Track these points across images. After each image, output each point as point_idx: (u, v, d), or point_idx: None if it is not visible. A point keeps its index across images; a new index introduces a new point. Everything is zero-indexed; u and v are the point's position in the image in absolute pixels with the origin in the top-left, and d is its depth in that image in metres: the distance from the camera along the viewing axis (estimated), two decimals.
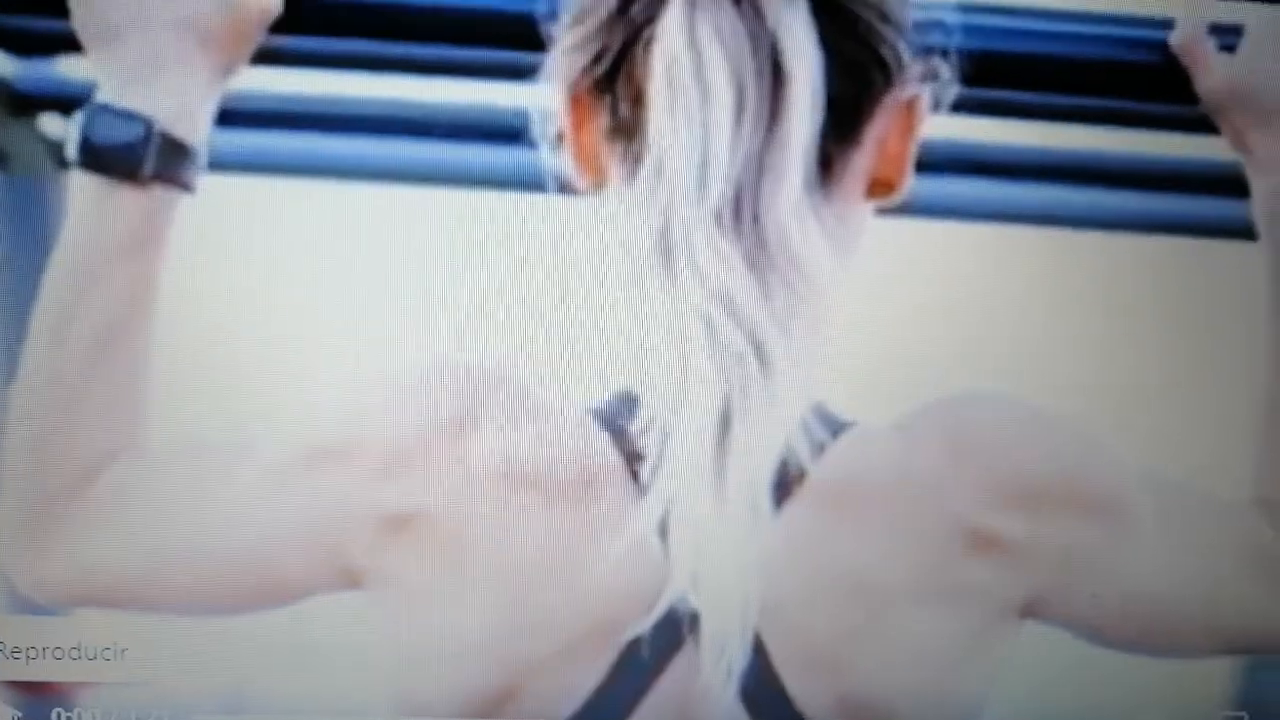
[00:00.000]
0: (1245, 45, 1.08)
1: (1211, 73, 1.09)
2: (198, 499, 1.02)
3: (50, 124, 1.78)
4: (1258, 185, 1.09)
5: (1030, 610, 1.03)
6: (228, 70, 1.06)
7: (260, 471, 1.02)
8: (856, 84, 0.99)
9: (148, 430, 1.04)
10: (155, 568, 1.03)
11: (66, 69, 1.74)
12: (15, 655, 1.10)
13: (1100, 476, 1.03)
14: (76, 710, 1.15)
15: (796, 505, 0.99)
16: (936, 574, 1.00)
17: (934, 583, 1.00)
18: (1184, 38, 1.09)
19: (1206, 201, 1.72)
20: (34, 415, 1.03)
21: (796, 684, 0.99)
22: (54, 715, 1.12)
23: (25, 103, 1.77)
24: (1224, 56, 1.09)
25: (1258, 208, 1.09)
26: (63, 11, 1.05)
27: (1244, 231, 1.11)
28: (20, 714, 1.17)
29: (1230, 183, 1.12)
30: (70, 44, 1.06)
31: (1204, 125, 1.11)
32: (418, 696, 1.01)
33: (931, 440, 1.01)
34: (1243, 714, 1.14)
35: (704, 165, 0.94)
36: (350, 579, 1.02)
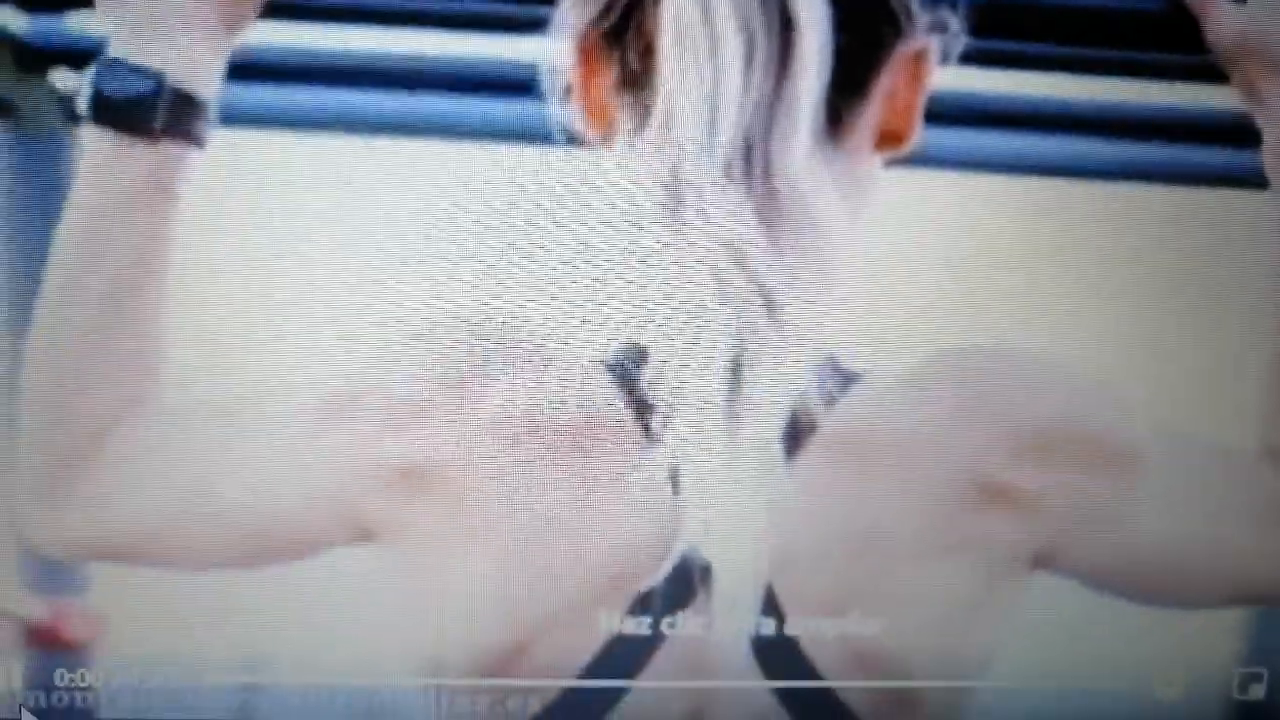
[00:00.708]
0: None
1: (1221, 21, 1.08)
2: (211, 455, 1.02)
3: (62, 79, 1.78)
4: (1269, 134, 1.08)
5: (1041, 561, 1.03)
6: (237, 24, 1.06)
7: (273, 426, 1.02)
8: (865, 36, 0.99)
9: (161, 387, 1.04)
10: (169, 523, 1.03)
11: (77, 24, 1.74)
12: None
13: (1109, 428, 1.03)
14: (80, 670, 1.15)
15: (808, 456, 0.99)
16: (947, 525, 1.00)
17: (945, 534, 1.00)
18: None
19: (1217, 151, 1.72)
20: (48, 372, 1.03)
21: (808, 636, 0.99)
22: (56, 675, 1.12)
23: (36, 58, 1.77)
24: (1234, 5, 1.08)
25: (1268, 157, 1.09)
26: None
27: (1256, 181, 1.10)
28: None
29: (1241, 132, 1.11)
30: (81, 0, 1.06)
31: (1214, 74, 1.10)
32: (431, 651, 1.01)
33: (942, 392, 1.01)
34: (1261, 669, 1.15)
35: (713, 116, 0.94)
36: (363, 532, 1.02)
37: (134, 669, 1.10)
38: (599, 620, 0.99)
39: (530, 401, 1.00)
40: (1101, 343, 1.15)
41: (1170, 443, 1.04)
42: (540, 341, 1.01)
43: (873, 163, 1.03)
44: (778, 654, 0.99)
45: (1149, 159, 1.73)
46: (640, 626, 0.99)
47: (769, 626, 0.98)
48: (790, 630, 0.99)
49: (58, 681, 1.13)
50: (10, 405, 1.04)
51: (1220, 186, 1.71)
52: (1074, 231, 1.18)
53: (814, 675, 0.99)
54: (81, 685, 1.12)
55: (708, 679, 0.99)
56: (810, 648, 0.99)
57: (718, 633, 0.97)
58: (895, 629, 1.00)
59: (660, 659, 1.00)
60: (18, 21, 1.73)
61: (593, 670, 0.99)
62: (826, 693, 0.99)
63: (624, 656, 0.99)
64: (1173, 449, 1.04)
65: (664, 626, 0.99)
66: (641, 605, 0.99)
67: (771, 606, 0.98)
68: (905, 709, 1.00)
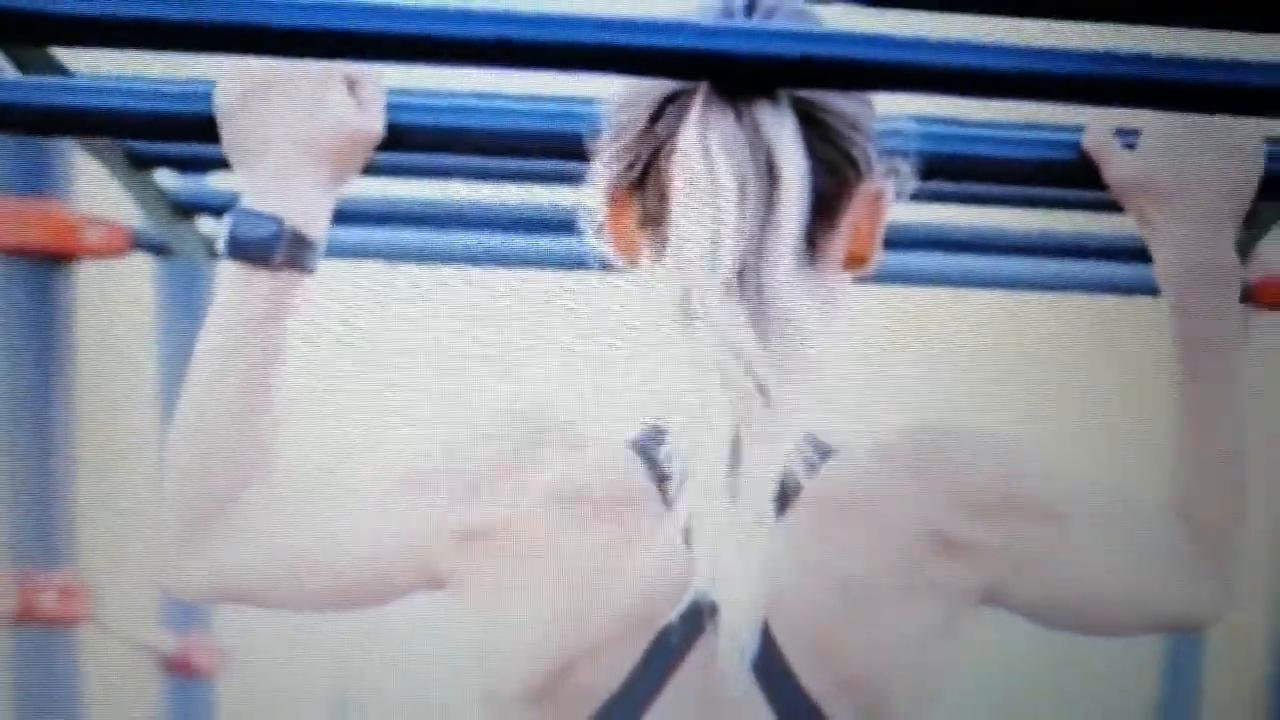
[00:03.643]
0: (1142, 143, 1.06)
1: (1117, 165, 1.07)
2: (313, 520, 1.01)
3: (205, 224, 1.80)
4: (1158, 253, 1.07)
5: (988, 598, 1.01)
6: (342, 179, 1.05)
7: (365, 497, 1.01)
8: (834, 179, 0.98)
9: (274, 464, 1.03)
10: (279, 574, 1.02)
11: (218, 182, 1.75)
12: None
13: (1044, 490, 1.02)
14: None
15: (794, 515, 0.98)
16: (910, 571, 0.98)
17: (908, 578, 0.98)
18: (1094, 138, 1.08)
19: (1120, 267, 1.71)
20: (185, 453, 1.03)
21: (800, 664, 0.97)
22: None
23: (186, 208, 1.78)
24: (1126, 152, 1.07)
25: (1159, 271, 1.07)
26: (215, 138, 1.05)
27: (1152, 290, 1.09)
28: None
29: (1137, 252, 1.10)
30: (221, 163, 1.06)
31: (1112, 206, 1.09)
32: (490, 679, 1.00)
33: (904, 462, 1.00)
34: None
35: (715, 246, 0.94)
36: (436, 582, 1.01)
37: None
38: (627, 651, 0.97)
39: (571, 476, 0.99)
40: (1035, 420, 1.14)
41: (1093, 501, 1.02)
42: (578, 427, 1.01)
43: (842, 280, 1.02)
44: (775, 679, 0.97)
45: (1065, 274, 1.73)
46: (660, 656, 0.98)
47: (766, 656, 0.97)
48: (785, 660, 0.98)
49: None
50: (156, 474, 1.04)
51: (1126, 294, 1.70)
52: (1008, 333, 1.18)
53: (801, 692, 0.98)
54: None
55: (716, 697, 0.98)
56: (802, 674, 0.97)
57: (724, 661, 0.96)
58: (872, 658, 0.98)
59: (676, 683, 0.98)
60: (173, 181, 1.75)
61: (621, 692, 0.98)
62: (812, 707, 0.98)
63: (646, 680, 0.97)
64: (1097, 507, 1.02)
65: (679, 656, 0.98)
66: (660, 638, 0.97)
67: (768, 639, 0.97)
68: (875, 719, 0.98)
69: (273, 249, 1.02)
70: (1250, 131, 1.06)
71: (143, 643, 1.96)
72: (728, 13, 0.99)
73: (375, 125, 1.05)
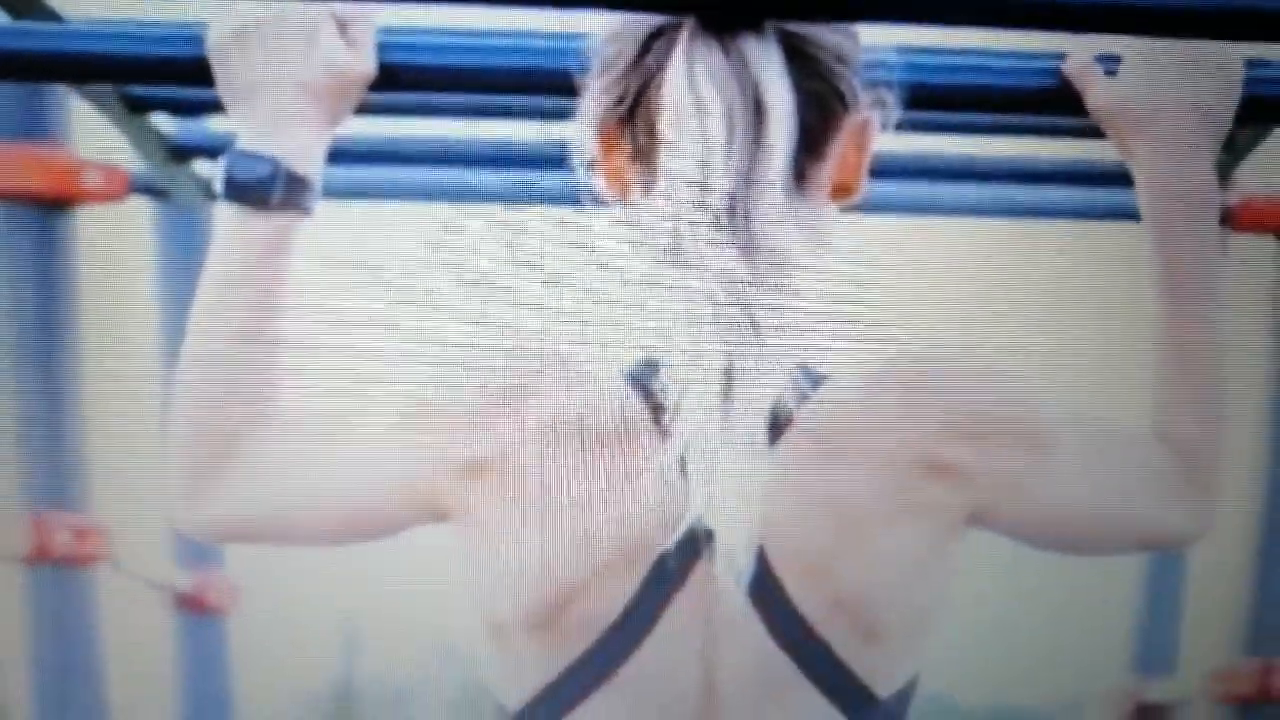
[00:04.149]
0: (1123, 69, 1.05)
1: (1098, 92, 1.05)
2: (319, 457, 1.01)
3: (201, 167, 1.79)
4: (1139, 178, 1.06)
5: (974, 520, 1.00)
6: (335, 119, 1.04)
7: (368, 434, 1.00)
8: (821, 112, 0.97)
9: (279, 403, 1.02)
10: (287, 511, 1.02)
11: (214, 125, 1.74)
12: None
13: (1028, 414, 1.01)
14: None
15: (786, 443, 0.97)
16: (899, 494, 0.97)
17: (897, 502, 0.97)
18: (1075, 65, 1.07)
19: (1101, 191, 1.71)
20: (191, 394, 1.01)
21: (794, 586, 0.97)
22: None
23: (183, 152, 1.77)
24: (1107, 78, 1.06)
25: (1140, 195, 1.06)
26: (209, 81, 1.03)
27: (1134, 215, 1.08)
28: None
29: (1119, 176, 1.10)
30: (216, 106, 1.05)
31: (1094, 132, 1.08)
32: (494, 608, 0.99)
33: (893, 390, 0.99)
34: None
35: (704, 179, 0.94)
36: (440, 514, 1.00)
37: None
38: (626, 578, 0.97)
39: (567, 409, 0.98)
40: (1020, 347, 1.13)
41: (1078, 425, 1.02)
42: (574, 361, 1.00)
43: (831, 210, 1.01)
44: (770, 602, 0.97)
45: (1047, 200, 1.72)
46: (658, 582, 0.97)
47: (761, 580, 0.96)
48: (779, 582, 0.97)
49: None
50: (163, 415, 1.03)
51: (1105, 220, 1.69)
52: (991, 259, 1.16)
53: (796, 614, 0.97)
54: None
55: (713, 620, 0.97)
56: (796, 596, 0.97)
57: (720, 583, 0.96)
58: (863, 579, 0.97)
59: (675, 609, 0.97)
60: (169, 125, 1.74)
61: (622, 619, 0.97)
62: (808, 628, 0.97)
63: (646, 607, 0.97)
64: (1080, 430, 1.01)
65: (676, 582, 0.97)
66: (658, 566, 0.97)
67: (762, 563, 0.96)
68: (870, 641, 0.98)
69: (269, 189, 1.01)
70: (1228, 56, 1.05)
71: (156, 581, 1.96)
72: None
73: (366, 65, 1.03)
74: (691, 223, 0.94)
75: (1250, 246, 1.82)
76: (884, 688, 0.99)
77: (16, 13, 1.18)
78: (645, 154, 0.98)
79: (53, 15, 1.20)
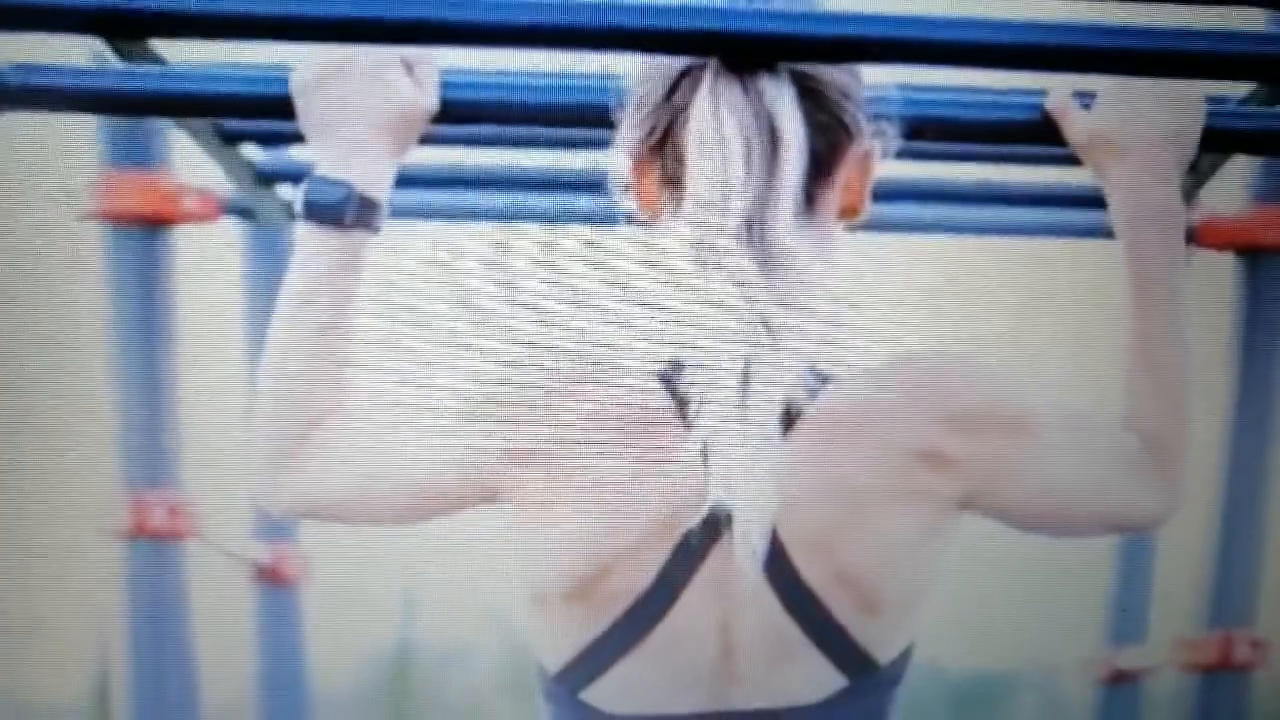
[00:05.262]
0: (1098, 104, 1.06)
1: (1076, 124, 1.06)
2: (385, 445, 1.01)
3: (284, 191, 1.80)
4: (1112, 200, 1.06)
5: (967, 504, 1.00)
6: (402, 149, 1.05)
7: (429, 425, 1.01)
8: (829, 141, 0.98)
9: (350, 396, 1.03)
10: (356, 492, 1.02)
11: (295, 154, 1.75)
12: None
13: (1019, 407, 1.01)
14: None
15: (798, 434, 0.98)
16: (900, 481, 0.98)
17: (898, 487, 0.98)
18: (1055, 101, 1.07)
19: (1077, 213, 1.71)
20: (273, 386, 1.02)
21: (803, 563, 0.97)
22: None
23: (268, 178, 1.79)
24: (1084, 112, 1.06)
25: (1114, 215, 1.06)
26: (292, 115, 1.05)
27: (1109, 233, 1.09)
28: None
29: (1094, 199, 1.10)
30: (297, 137, 1.06)
31: (1071, 160, 1.08)
32: (536, 580, 1.00)
33: (895, 385, 0.99)
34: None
35: (725, 200, 0.94)
36: (490, 497, 1.01)
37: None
38: (654, 554, 0.97)
39: (604, 404, 0.99)
40: (1009, 346, 1.13)
41: (1060, 417, 1.02)
42: (610, 361, 1.01)
43: (837, 229, 1.02)
44: (782, 577, 0.97)
45: (1030, 220, 1.72)
46: (683, 558, 0.98)
47: (774, 557, 0.97)
48: (790, 560, 0.98)
49: None
50: (248, 408, 1.04)
51: (1083, 238, 1.69)
52: (986, 272, 1.17)
53: (804, 588, 0.98)
54: None
55: (731, 593, 0.98)
56: (804, 571, 0.97)
57: (738, 561, 0.96)
58: (865, 557, 0.98)
59: (698, 581, 0.98)
60: (256, 154, 1.75)
61: (651, 589, 0.98)
62: (815, 600, 0.98)
63: (672, 579, 0.98)
64: (1061, 422, 1.02)
65: (699, 558, 0.98)
66: (683, 543, 0.98)
67: (775, 542, 0.97)
68: (870, 612, 0.99)
69: (343, 211, 1.01)
70: (1192, 93, 1.06)
71: (239, 554, 1.98)
72: None
73: (431, 101, 1.04)
74: (713, 238, 0.94)
75: (1212, 260, 1.82)
76: (883, 654, 0.99)
77: (127, 57, 1.20)
78: (674, 179, 0.98)
79: (158, 59, 1.22)
